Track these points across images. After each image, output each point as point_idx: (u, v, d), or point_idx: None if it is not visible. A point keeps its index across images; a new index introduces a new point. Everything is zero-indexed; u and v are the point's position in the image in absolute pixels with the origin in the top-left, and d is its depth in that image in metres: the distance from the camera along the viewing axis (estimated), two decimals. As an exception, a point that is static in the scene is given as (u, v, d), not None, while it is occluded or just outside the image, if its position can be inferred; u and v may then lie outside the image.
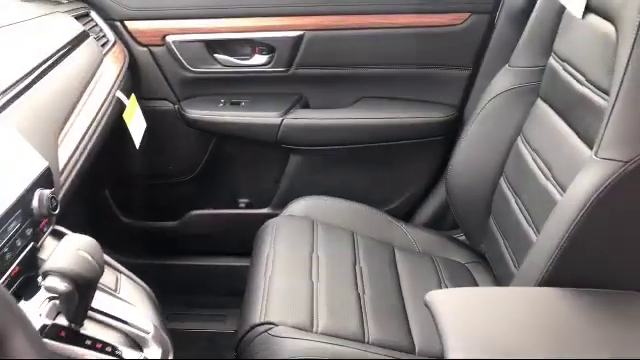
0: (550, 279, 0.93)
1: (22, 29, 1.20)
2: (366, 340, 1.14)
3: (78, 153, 1.09)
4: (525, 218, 1.18)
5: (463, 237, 1.60)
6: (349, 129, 1.70)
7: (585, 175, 0.92)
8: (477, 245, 1.46)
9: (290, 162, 1.76)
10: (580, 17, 1.10)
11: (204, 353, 1.05)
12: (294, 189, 1.73)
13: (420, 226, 1.71)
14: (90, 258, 0.72)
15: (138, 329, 0.82)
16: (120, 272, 0.95)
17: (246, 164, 1.81)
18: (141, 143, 1.50)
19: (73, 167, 1.04)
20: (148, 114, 1.58)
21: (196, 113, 1.69)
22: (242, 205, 1.86)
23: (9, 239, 0.72)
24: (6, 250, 0.71)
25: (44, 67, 1.11)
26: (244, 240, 1.54)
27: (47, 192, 0.81)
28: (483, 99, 1.44)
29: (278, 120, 1.67)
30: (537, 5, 1.32)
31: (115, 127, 1.39)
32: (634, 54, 0.87)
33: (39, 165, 0.84)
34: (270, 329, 1.12)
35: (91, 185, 1.54)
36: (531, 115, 1.30)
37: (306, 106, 1.74)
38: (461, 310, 0.89)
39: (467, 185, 1.46)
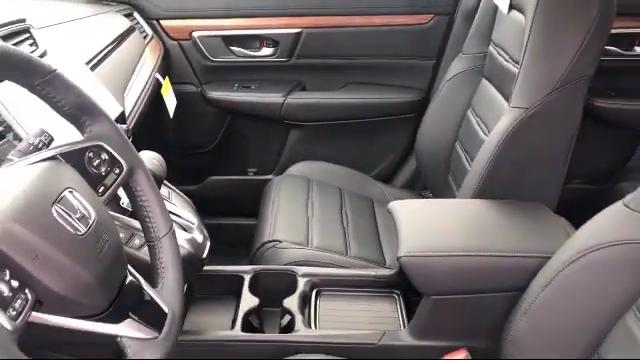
0: (478, 195, 1.24)
1: (90, 22, 1.51)
2: (348, 255, 1.45)
3: (134, 111, 1.40)
4: (470, 166, 1.47)
5: (431, 195, 1.83)
6: (339, 108, 1.97)
7: (501, 120, 1.23)
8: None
9: (290, 135, 2.03)
10: (506, 12, 1.42)
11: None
12: (294, 158, 1.98)
13: (397, 187, 2.01)
14: (159, 164, 1.04)
15: (186, 220, 1.12)
16: (171, 189, 1.26)
17: (254, 138, 2.07)
18: (172, 118, 1.78)
19: (132, 118, 1.36)
20: (177, 95, 1.84)
21: (215, 94, 1.96)
22: (251, 173, 2.12)
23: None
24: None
25: (109, 48, 1.43)
26: (253, 202, 1.78)
27: (124, 126, 1.12)
28: (442, 82, 1.72)
29: (281, 100, 1.94)
30: (480, 5, 1.64)
31: (153, 103, 1.67)
32: (532, 32, 1.19)
33: (118, 108, 1.15)
34: (276, 244, 1.43)
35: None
36: (477, 91, 1.59)
37: (304, 89, 2.00)
38: (412, 212, 1.19)
39: (431, 150, 1.71)
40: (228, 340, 1.09)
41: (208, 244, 1.15)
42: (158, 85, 1.70)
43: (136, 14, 1.85)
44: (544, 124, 1.19)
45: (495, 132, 1.24)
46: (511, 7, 1.40)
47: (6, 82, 0.76)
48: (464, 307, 1.05)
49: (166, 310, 0.69)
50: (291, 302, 1.18)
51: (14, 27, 1.07)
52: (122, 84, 1.40)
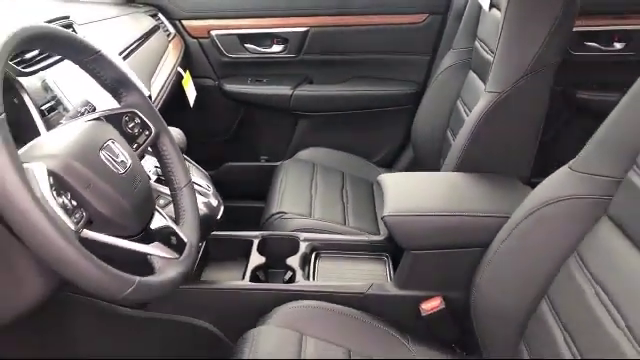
0: (458, 168, 1.39)
1: (121, 21, 1.69)
2: (346, 225, 1.61)
3: (158, 98, 1.58)
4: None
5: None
6: (342, 99, 2.12)
7: (478, 103, 1.38)
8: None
9: (298, 125, 2.18)
10: (488, 10, 1.57)
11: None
12: (301, 146, 2.15)
13: (397, 171, 2.15)
14: (180, 137, 1.21)
15: (203, 187, 1.29)
16: (191, 163, 1.43)
17: (266, 127, 2.23)
18: (192, 109, 1.95)
19: (157, 105, 1.53)
20: (196, 87, 2.02)
21: (230, 87, 2.13)
22: (263, 160, 2.27)
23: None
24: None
25: (137, 44, 1.60)
26: (265, 186, 1.92)
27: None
28: (434, 75, 1.88)
29: (290, 92, 2.09)
30: (467, 5, 1.79)
31: (175, 94, 1.84)
32: (504, 25, 1.33)
33: (145, 92, 1.32)
34: (282, 215, 1.60)
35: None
36: (465, 83, 1.73)
37: (311, 82, 2.15)
38: (397, 182, 1.34)
39: (425, 138, 1.85)
40: (238, 288, 1.25)
41: (222, 208, 1.32)
42: (180, 78, 1.87)
43: (160, 15, 2.02)
44: (515, 106, 1.33)
45: (473, 113, 1.39)
46: (492, 5, 1.55)
47: (57, 66, 0.94)
48: (439, 261, 1.20)
49: (185, 240, 0.86)
50: (293, 260, 1.34)
51: (60, 22, 1.25)
52: (148, 75, 1.57)
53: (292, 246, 1.40)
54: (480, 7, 1.68)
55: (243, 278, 1.29)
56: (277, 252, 1.39)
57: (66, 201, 0.68)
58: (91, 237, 0.72)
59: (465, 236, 1.18)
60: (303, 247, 1.39)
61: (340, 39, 2.08)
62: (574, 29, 1.85)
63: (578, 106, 2.02)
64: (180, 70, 1.87)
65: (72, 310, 1.25)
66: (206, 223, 1.21)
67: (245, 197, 2.24)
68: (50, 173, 0.68)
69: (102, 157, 0.76)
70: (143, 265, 0.78)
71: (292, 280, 1.30)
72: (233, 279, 1.30)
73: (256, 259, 1.35)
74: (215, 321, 1.26)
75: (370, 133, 2.17)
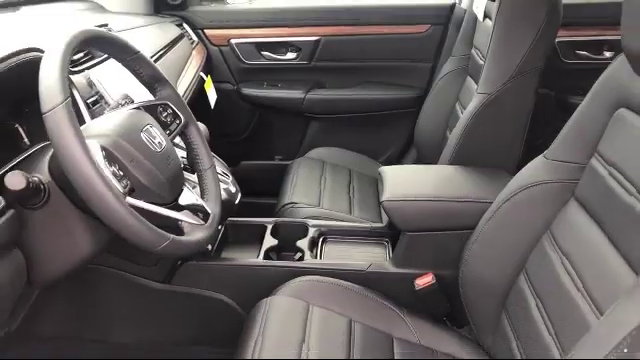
0: (452, 162, 1.52)
1: (150, 29, 1.85)
2: (352, 214, 1.75)
3: (183, 99, 1.73)
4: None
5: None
6: (352, 102, 2.25)
7: (470, 103, 1.52)
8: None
9: (310, 126, 2.32)
10: (482, 20, 1.71)
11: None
12: (313, 146, 2.27)
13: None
14: (203, 130, 1.35)
15: (223, 176, 1.43)
16: (213, 156, 1.57)
17: (280, 128, 2.36)
18: (213, 110, 2.10)
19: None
20: (217, 91, 2.17)
21: (248, 91, 2.27)
22: (277, 159, 2.40)
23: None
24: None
25: (164, 49, 1.75)
26: (279, 184, 2.03)
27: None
28: (436, 80, 2.02)
29: (302, 96, 2.23)
30: (465, 16, 1.93)
31: (198, 96, 1.98)
32: (494, 33, 1.47)
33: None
34: (294, 205, 1.74)
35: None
36: (463, 87, 1.86)
37: (322, 87, 2.28)
38: (396, 173, 1.47)
39: (427, 139, 1.98)
40: (253, 265, 1.39)
41: (239, 195, 1.45)
42: (202, 82, 2.03)
43: (185, 24, 2.17)
44: (503, 106, 1.47)
45: (466, 112, 1.52)
46: (485, 16, 1.69)
47: (99, 66, 1.10)
48: (431, 241, 1.33)
49: (210, 212, 1.00)
50: (302, 243, 1.48)
51: (102, 29, 1.41)
52: (174, 78, 1.72)
53: (302, 231, 1.53)
54: (476, 18, 1.82)
55: (257, 257, 1.42)
56: (288, 236, 1.52)
57: (115, 171, 0.82)
58: (132, 203, 0.86)
59: (454, 219, 1.31)
60: (312, 232, 1.53)
61: (349, 47, 2.21)
62: (567, 39, 2.01)
63: (568, 109, 2.13)
64: (202, 75, 2.02)
65: (104, 282, 1.39)
66: (225, 207, 1.34)
67: (260, 194, 2.33)
68: (102, 148, 0.83)
69: (143, 137, 0.90)
70: (175, 229, 0.92)
71: (301, 260, 1.43)
72: (249, 258, 1.44)
73: (269, 241, 1.48)
74: (231, 294, 1.40)
75: (376, 134, 2.30)
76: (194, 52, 2.07)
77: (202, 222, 0.97)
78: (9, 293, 0.86)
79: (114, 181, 0.79)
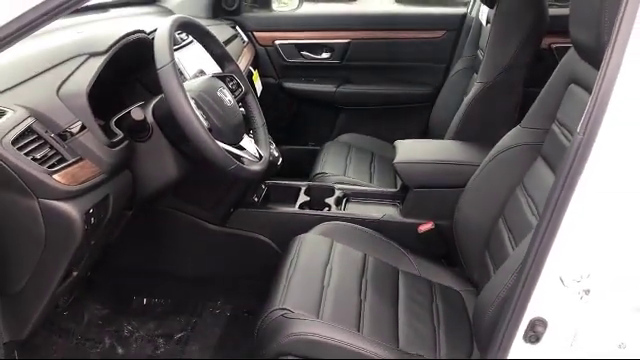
0: (454, 137, 1.80)
1: (210, 29, 2.17)
2: (372, 182, 2.03)
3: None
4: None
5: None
6: (376, 96, 2.53)
7: (471, 91, 1.80)
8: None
9: (340, 116, 2.60)
10: (485, 25, 1.99)
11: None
12: (341, 133, 2.51)
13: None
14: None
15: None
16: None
17: (314, 118, 2.65)
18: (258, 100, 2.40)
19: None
20: (262, 85, 2.47)
21: (288, 85, 2.57)
22: (310, 144, 2.66)
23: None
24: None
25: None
26: (311, 166, 2.25)
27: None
28: (447, 77, 2.30)
29: (334, 90, 2.51)
30: (473, 21, 2.20)
31: None
32: (491, 33, 1.75)
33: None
34: (324, 175, 2.04)
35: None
36: (470, 83, 2.12)
37: (351, 82, 2.55)
38: (407, 144, 1.77)
39: (439, 126, 2.20)
40: (289, 212, 1.70)
41: (280, 159, 1.74)
42: (250, 75, 2.34)
43: (237, 27, 2.48)
44: (497, 93, 1.74)
45: (467, 98, 1.81)
46: (488, 22, 1.97)
47: (179, 51, 1.42)
48: (433, 196, 1.61)
49: (263, 154, 1.32)
50: (330, 200, 1.78)
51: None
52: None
53: (329, 192, 1.83)
54: (482, 24, 2.10)
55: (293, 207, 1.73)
56: (318, 196, 1.82)
57: (201, 114, 1.14)
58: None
59: (452, 178, 1.59)
60: (337, 193, 1.82)
61: (375, 49, 2.49)
62: (565, 45, 2.25)
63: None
64: (251, 69, 2.33)
65: (173, 222, 1.70)
66: (270, 167, 1.64)
67: (295, 175, 2.64)
68: (192, 98, 1.15)
69: (218, 93, 1.22)
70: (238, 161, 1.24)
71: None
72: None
73: (303, 198, 1.79)
74: (271, 236, 1.70)
75: (396, 123, 2.55)
76: (245, 50, 2.38)
77: (257, 159, 1.28)
78: (120, 201, 1.19)
79: (202, 119, 1.11)
